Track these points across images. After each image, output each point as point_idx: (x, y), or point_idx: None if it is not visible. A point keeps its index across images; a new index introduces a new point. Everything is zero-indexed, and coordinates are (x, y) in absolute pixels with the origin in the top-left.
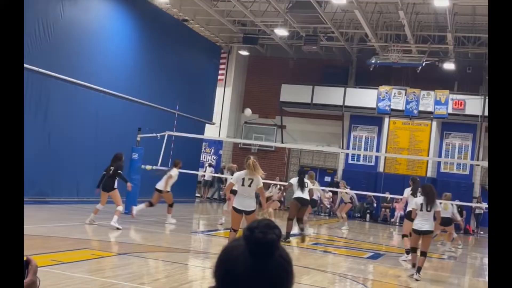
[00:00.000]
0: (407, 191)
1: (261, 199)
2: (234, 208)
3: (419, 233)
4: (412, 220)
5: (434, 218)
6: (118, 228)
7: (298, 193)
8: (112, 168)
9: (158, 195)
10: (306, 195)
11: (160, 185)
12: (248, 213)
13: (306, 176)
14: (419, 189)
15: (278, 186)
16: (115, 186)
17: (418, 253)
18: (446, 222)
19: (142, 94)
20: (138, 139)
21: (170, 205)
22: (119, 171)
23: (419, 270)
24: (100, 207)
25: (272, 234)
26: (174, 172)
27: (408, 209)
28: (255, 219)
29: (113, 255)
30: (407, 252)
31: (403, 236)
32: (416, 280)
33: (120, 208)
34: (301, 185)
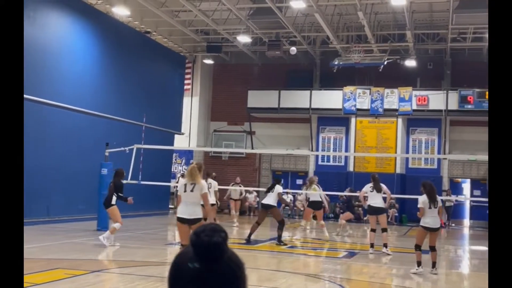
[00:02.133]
0: (367, 187)
1: (204, 205)
2: (177, 219)
3: (430, 230)
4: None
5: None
6: (112, 245)
7: (263, 199)
8: (111, 184)
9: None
10: (268, 200)
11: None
12: (193, 222)
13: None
14: (421, 188)
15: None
16: (113, 202)
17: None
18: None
19: (108, 108)
20: (107, 154)
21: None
22: (119, 193)
23: (434, 265)
24: (117, 225)
25: (218, 237)
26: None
27: (369, 203)
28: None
29: (87, 273)
30: (371, 246)
31: (372, 230)
32: (435, 274)
33: (117, 225)
34: (268, 191)
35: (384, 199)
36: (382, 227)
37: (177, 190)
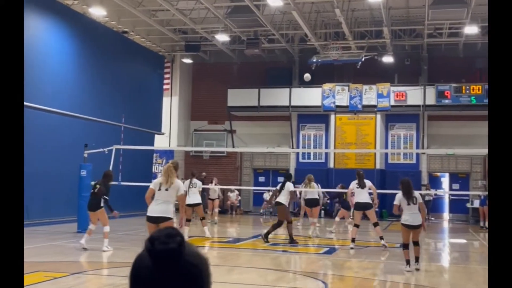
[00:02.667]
0: (353, 184)
1: (180, 208)
2: (146, 218)
3: (410, 227)
4: (359, 209)
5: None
6: (108, 250)
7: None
8: (98, 186)
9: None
10: (280, 199)
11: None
12: (161, 220)
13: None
14: (399, 185)
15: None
16: (102, 205)
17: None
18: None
19: (86, 109)
20: (85, 155)
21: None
22: (106, 197)
23: (417, 259)
24: (92, 227)
25: (173, 243)
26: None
27: (356, 200)
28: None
29: (67, 275)
30: (353, 240)
31: (355, 225)
32: (417, 270)
33: (107, 228)
34: (281, 188)
35: (371, 194)
36: (372, 222)
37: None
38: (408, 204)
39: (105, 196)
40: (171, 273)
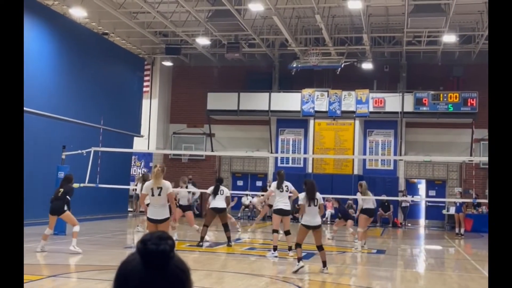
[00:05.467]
0: (274, 185)
1: (171, 205)
2: (147, 219)
3: (310, 228)
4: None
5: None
6: (78, 252)
7: (212, 202)
8: (61, 190)
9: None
10: (218, 204)
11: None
12: (161, 221)
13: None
14: (303, 185)
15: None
16: (65, 208)
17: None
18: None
19: (65, 111)
20: (63, 157)
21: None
22: (68, 198)
23: (324, 264)
24: (48, 232)
25: (165, 245)
26: None
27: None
28: (168, 227)
29: (43, 277)
30: (275, 249)
31: (274, 231)
32: (325, 273)
33: (77, 228)
34: (215, 193)
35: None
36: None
37: (137, 194)
38: (309, 205)
39: (67, 197)
40: (160, 275)
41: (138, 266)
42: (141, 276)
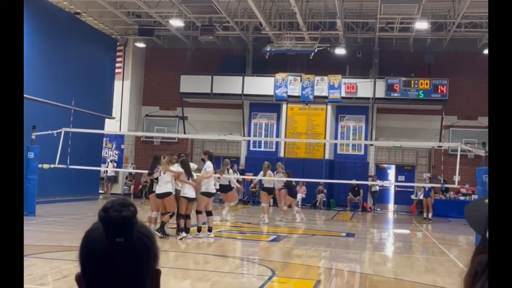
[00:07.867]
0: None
1: (175, 178)
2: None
3: (190, 200)
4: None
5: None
6: None
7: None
8: None
9: None
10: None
11: None
12: (163, 196)
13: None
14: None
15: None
16: None
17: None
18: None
19: (35, 90)
20: (33, 137)
21: None
22: None
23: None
24: None
25: (127, 211)
26: None
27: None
28: (171, 201)
29: None
30: (209, 230)
31: (197, 212)
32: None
33: None
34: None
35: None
36: (207, 209)
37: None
38: (189, 179)
39: None
40: (123, 242)
41: (102, 234)
42: (105, 244)
